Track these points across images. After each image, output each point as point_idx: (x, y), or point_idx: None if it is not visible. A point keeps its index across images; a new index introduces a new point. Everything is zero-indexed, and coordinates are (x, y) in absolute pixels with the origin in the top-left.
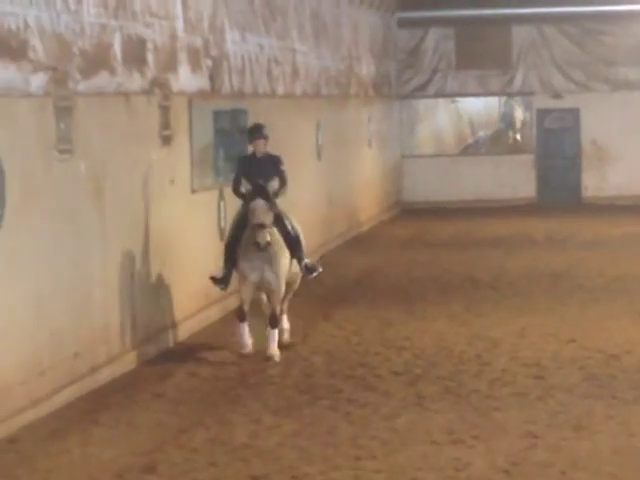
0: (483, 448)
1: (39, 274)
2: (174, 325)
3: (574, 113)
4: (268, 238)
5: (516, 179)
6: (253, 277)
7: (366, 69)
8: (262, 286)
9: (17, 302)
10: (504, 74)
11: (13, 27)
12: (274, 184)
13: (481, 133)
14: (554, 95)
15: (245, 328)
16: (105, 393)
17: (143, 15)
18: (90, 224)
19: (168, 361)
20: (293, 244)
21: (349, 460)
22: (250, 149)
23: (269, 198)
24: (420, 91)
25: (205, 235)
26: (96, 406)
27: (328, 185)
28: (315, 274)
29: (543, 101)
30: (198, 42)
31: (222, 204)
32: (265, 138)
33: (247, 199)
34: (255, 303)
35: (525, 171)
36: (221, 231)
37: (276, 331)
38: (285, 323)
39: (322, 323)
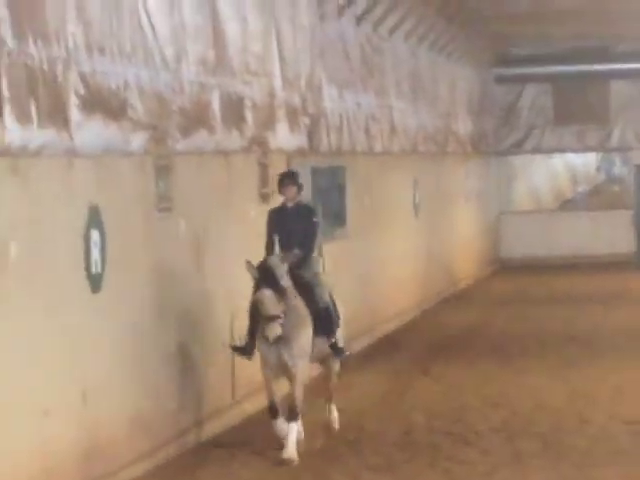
0: None
1: (137, 332)
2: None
3: None
4: (278, 331)
5: (615, 235)
6: (271, 360)
7: (463, 126)
8: (281, 371)
9: (115, 360)
10: (602, 129)
11: (113, 86)
12: (296, 253)
13: (580, 189)
14: None
15: (281, 425)
16: (204, 449)
17: (241, 73)
18: (190, 281)
19: (267, 419)
20: (322, 319)
21: None
22: (280, 201)
23: (277, 283)
24: (517, 147)
25: None
26: (198, 461)
27: (426, 242)
28: (342, 357)
29: None
30: (296, 100)
31: (320, 260)
32: (298, 186)
33: (254, 284)
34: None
35: (624, 226)
36: None
37: (295, 426)
38: (333, 411)
39: (420, 379)
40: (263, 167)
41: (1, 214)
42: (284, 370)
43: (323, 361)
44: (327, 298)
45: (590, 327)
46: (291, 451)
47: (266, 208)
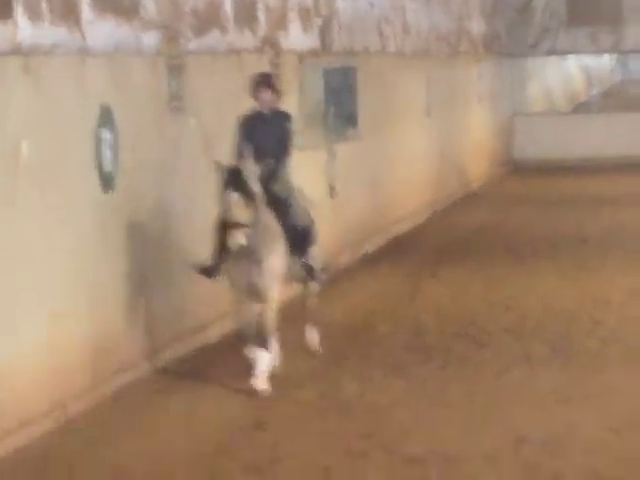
0: (593, 407)
1: (149, 229)
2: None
3: None
4: (242, 241)
5: (629, 137)
6: (238, 282)
7: (476, 26)
8: (250, 294)
9: (119, 269)
10: (615, 31)
11: None
12: (270, 162)
13: (594, 91)
14: None
15: (255, 353)
16: (213, 351)
17: None
18: (200, 179)
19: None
20: (298, 238)
21: (457, 417)
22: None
23: (247, 187)
24: (530, 48)
25: (315, 192)
26: (206, 362)
27: (438, 143)
28: (316, 282)
29: None
30: (309, 0)
31: (332, 161)
32: (274, 90)
33: (220, 188)
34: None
35: (638, 128)
36: (330, 189)
37: (264, 354)
38: (312, 333)
39: (430, 281)
40: (275, 67)
41: (13, 113)
42: (254, 292)
43: (300, 281)
44: (303, 216)
45: (603, 229)
46: (260, 381)
47: None
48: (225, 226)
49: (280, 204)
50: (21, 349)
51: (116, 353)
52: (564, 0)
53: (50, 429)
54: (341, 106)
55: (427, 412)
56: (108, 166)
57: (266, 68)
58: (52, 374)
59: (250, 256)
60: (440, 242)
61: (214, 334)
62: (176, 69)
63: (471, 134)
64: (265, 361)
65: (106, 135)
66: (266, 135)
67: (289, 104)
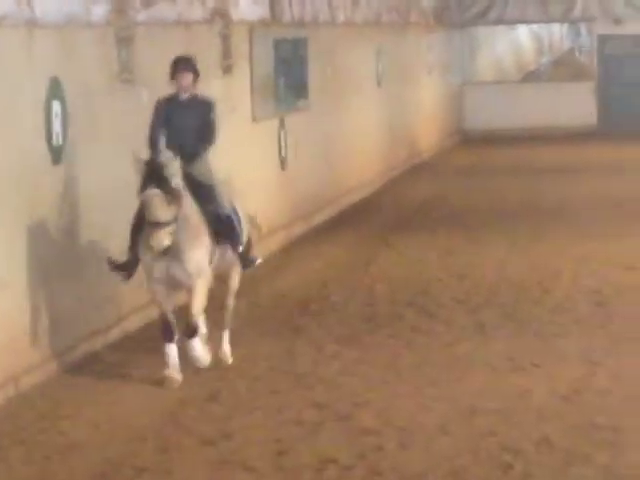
0: (543, 375)
1: (101, 203)
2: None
3: (635, 39)
4: (166, 242)
5: (577, 106)
6: (158, 275)
7: None
8: (173, 286)
9: (71, 231)
10: (565, 0)
11: None
12: (195, 148)
13: (543, 60)
14: (615, 21)
15: (174, 353)
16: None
17: None
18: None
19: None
20: (224, 226)
21: (410, 388)
22: (172, 91)
23: (168, 182)
24: (480, 18)
25: (266, 163)
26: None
27: (388, 113)
28: (251, 267)
29: (604, 27)
30: None
31: (283, 133)
32: (194, 73)
33: (140, 184)
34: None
35: (586, 98)
36: (281, 160)
37: (196, 343)
38: (225, 341)
39: (383, 251)
40: (225, 38)
41: None
42: (177, 286)
43: (222, 275)
44: (227, 204)
45: (554, 199)
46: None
47: (229, 80)
48: (145, 224)
49: (201, 190)
50: None
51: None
52: None
53: None
54: (292, 77)
55: (379, 382)
56: (57, 139)
57: (216, 39)
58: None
59: (171, 251)
60: (392, 212)
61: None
62: (125, 41)
63: (421, 105)
64: (197, 351)
65: (56, 107)
66: (184, 121)
67: (240, 75)
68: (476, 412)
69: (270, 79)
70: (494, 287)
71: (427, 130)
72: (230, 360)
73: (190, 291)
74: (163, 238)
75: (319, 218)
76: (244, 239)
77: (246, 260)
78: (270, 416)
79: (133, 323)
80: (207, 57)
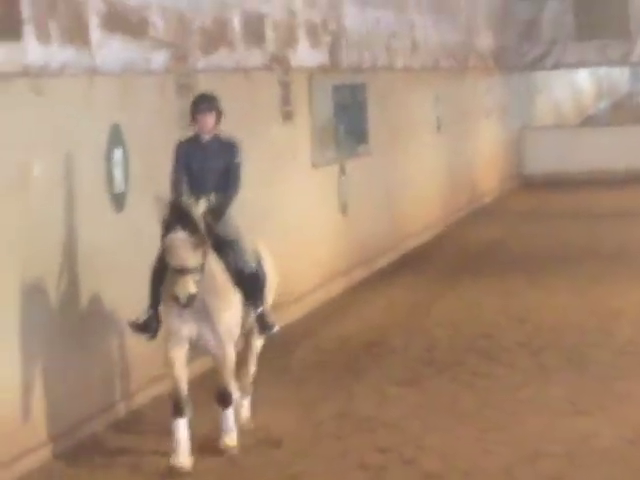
0: (607, 418)
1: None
2: (297, 300)
3: None
4: (192, 290)
5: (637, 150)
6: (185, 332)
7: (484, 41)
8: (199, 348)
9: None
10: (623, 43)
11: (134, 4)
12: (211, 199)
13: (602, 104)
14: None
15: (182, 426)
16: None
17: None
18: None
19: (292, 334)
20: (248, 283)
21: (473, 431)
22: (192, 131)
23: (195, 225)
24: (539, 62)
25: (326, 209)
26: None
27: (448, 158)
28: (270, 333)
29: None
30: (316, 17)
31: (343, 178)
32: (217, 113)
33: (163, 228)
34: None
35: None
36: (342, 206)
37: (230, 412)
38: (246, 408)
39: (444, 294)
40: (284, 85)
41: (22, 134)
42: (204, 351)
43: (243, 338)
44: (251, 261)
45: (614, 243)
46: (229, 439)
47: (289, 127)
48: (167, 272)
49: (225, 247)
50: None
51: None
52: (572, 13)
53: None
54: (351, 122)
55: (442, 426)
56: (119, 186)
57: (275, 85)
58: None
59: (198, 309)
60: (453, 257)
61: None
62: (185, 88)
63: (480, 149)
64: (230, 419)
65: (117, 154)
66: (205, 165)
67: (300, 121)
68: (540, 456)
69: (330, 125)
70: (555, 330)
71: (487, 174)
72: (252, 426)
73: (218, 359)
74: (190, 285)
75: (380, 263)
76: (267, 300)
77: (264, 324)
78: (334, 461)
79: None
80: (267, 104)
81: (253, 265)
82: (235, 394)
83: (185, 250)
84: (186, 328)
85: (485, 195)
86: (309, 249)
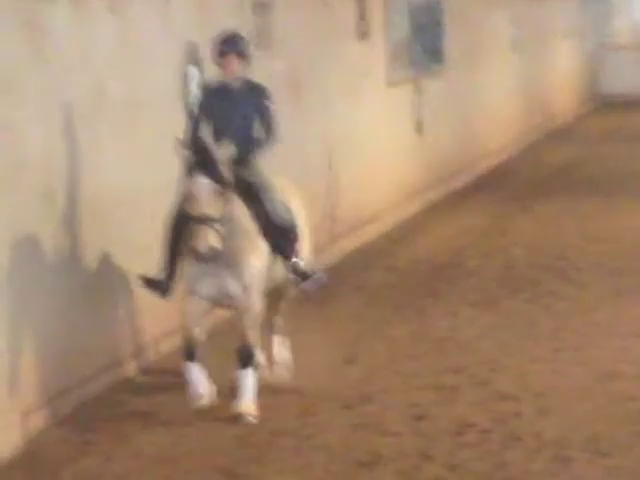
0: None
1: None
2: (372, 220)
3: None
4: (213, 242)
5: None
6: (205, 290)
7: None
8: (222, 303)
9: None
10: None
11: None
12: (233, 149)
13: None
14: None
15: (196, 370)
16: None
17: None
18: (287, 118)
19: (368, 253)
20: (277, 233)
21: (548, 352)
22: (216, 76)
23: (219, 170)
24: None
25: (401, 128)
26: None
27: (523, 77)
28: (310, 285)
29: None
30: None
31: (418, 97)
32: (243, 56)
33: (184, 171)
34: None
35: None
36: (417, 125)
37: (250, 373)
38: (279, 350)
39: (520, 215)
40: (360, 3)
41: (99, 53)
42: (229, 304)
43: (275, 291)
44: (282, 211)
45: None
46: (245, 404)
47: (364, 46)
48: (188, 222)
49: (253, 195)
50: None
51: None
52: None
53: None
54: (427, 41)
55: (516, 347)
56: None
57: (351, 4)
58: None
59: (221, 259)
60: (528, 178)
61: None
62: (261, 6)
63: (556, 69)
64: (251, 382)
65: (192, 72)
66: (234, 112)
67: (375, 40)
68: (615, 377)
69: (405, 44)
70: (632, 252)
71: (562, 95)
72: (288, 375)
73: (244, 310)
74: (210, 237)
75: (455, 183)
76: (301, 250)
77: (303, 274)
78: (408, 380)
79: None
80: (342, 22)
81: (284, 215)
82: (259, 355)
83: (206, 197)
84: (207, 286)
85: (560, 116)
86: (384, 169)
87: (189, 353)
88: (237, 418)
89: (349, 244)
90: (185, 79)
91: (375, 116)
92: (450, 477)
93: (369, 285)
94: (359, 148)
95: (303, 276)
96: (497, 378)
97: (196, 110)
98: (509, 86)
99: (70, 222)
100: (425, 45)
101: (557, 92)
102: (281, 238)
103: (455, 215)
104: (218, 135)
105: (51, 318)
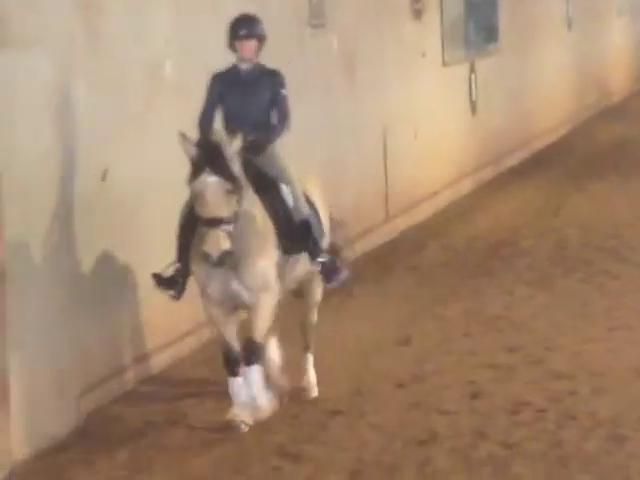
0: None
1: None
2: (427, 198)
3: None
4: (225, 245)
5: None
6: (214, 293)
7: None
8: (230, 303)
9: None
10: None
11: None
12: (250, 139)
13: None
14: None
15: (236, 385)
16: (360, 265)
17: None
18: (342, 96)
19: (422, 232)
20: (296, 229)
21: (602, 332)
22: (232, 61)
23: (229, 167)
24: None
25: (456, 108)
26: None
27: (578, 56)
28: (336, 283)
29: None
30: None
31: (473, 77)
32: (258, 38)
33: (191, 167)
34: None
35: None
36: (472, 104)
37: (255, 369)
38: (309, 368)
39: (574, 194)
40: None
41: (156, 35)
42: (236, 305)
43: (301, 290)
44: (301, 203)
45: None
46: (238, 412)
47: (419, 25)
48: (198, 223)
49: (266, 184)
50: None
51: None
52: None
53: None
54: (481, 21)
55: (571, 326)
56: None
57: None
58: None
59: (229, 260)
60: (582, 156)
61: None
62: None
63: (611, 48)
64: (256, 380)
65: None
66: (245, 99)
67: (430, 19)
68: None
69: (460, 23)
70: None
71: (617, 73)
72: (315, 392)
73: (252, 310)
74: (221, 240)
75: (510, 162)
76: (325, 246)
77: (330, 273)
78: (463, 359)
79: None
80: (397, 1)
81: (305, 211)
82: (276, 359)
83: (216, 198)
84: (215, 289)
85: (615, 94)
86: (439, 147)
87: (230, 369)
88: (228, 424)
89: (404, 222)
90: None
91: (430, 95)
92: (505, 455)
93: (423, 264)
94: (414, 127)
95: (329, 274)
96: (552, 357)
97: (206, 98)
98: (563, 64)
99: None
100: (479, 24)
101: (611, 70)
102: (304, 236)
103: (509, 193)
104: (230, 124)
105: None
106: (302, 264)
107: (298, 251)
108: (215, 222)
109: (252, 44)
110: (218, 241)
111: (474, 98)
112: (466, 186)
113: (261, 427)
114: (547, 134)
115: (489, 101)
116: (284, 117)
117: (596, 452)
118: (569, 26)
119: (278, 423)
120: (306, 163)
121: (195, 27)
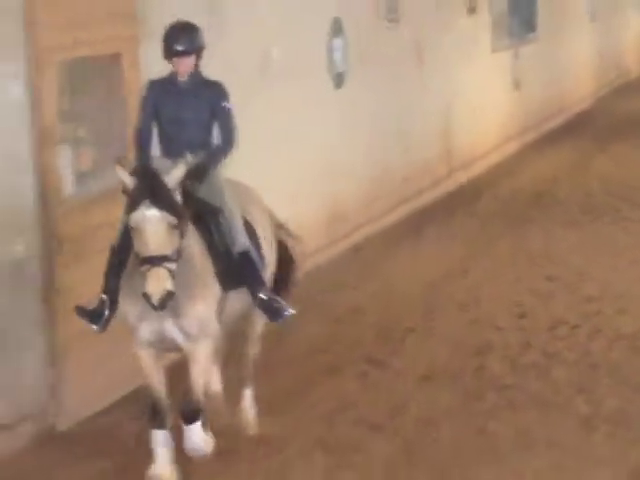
0: None
1: (371, 123)
2: (481, 158)
3: None
4: (168, 285)
5: None
6: (147, 335)
7: None
8: (169, 348)
9: (355, 145)
10: None
11: None
12: (190, 161)
13: None
14: None
15: (161, 438)
16: (428, 211)
17: None
18: (413, 82)
19: (477, 185)
20: (235, 264)
21: (626, 263)
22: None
23: (171, 197)
24: None
25: (503, 86)
26: (422, 222)
27: (600, 42)
28: (279, 322)
29: None
30: None
31: (516, 61)
32: (197, 52)
33: (129, 199)
34: None
35: None
36: (516, 82)
37: (196, 429)
38: (246, 404)
39: (599, 155)
40: None
41: (265, 25)
42: (170, 349)
43: (241, 323)
44: (244, 237)
45: None
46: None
47: (472, 19)
48: (133, 259)
49: (208, 218)
50: None
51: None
52: None
53: None
54: (523, 14)
55: (600, 259)
56: (340, 67)
57: None
58: None
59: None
60: (605, 124)
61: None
62: None
63: (627, 35)
64: (196, 434)
65: (337, 43)
66: (182, 114)
67: (481, 13)
68: None
69: (505, 17)
70: None
71: (632, 56)
72: (254, 429)
73: (189, 357)
74: (164, 281)
75: (546, 128)
76: (267, 277)
77: (271, 310)
78: (511, 286)
79: None
80: (455, 0)
81: (245, 242)
82: (215, 385)
83: (158, 233)
84: (146, 328)
85: (631, 73)
86: (490, 118)
87: (156, 419)
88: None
89: (462, 177)
90: (330, 51)
91: (482, 76)
92: (546, 362)
93: (479, 211)
94: (470, 102)
95: (272, 311)
96: (583, 284)
97: (141, 112)
98: (589, 49)
99: None
100: (520, 17)
101: (628, 53)
102: (244, 270)
103: (546, 154)
104: (166, 144)
105: None
106: (243, 298)
107: (237, 286)
108: (157, 260)
109: (190, 61)
110: (161, 281)
111: (517, 78)
112: (512, 148)
113: (352, 340)
114: (576, 106)
115: (529, 80)
116: (229, 135)
117: (619, 360)
118: (593, 18)
119: (366, 339)
120: (385, 133)
121: (296, 19)
